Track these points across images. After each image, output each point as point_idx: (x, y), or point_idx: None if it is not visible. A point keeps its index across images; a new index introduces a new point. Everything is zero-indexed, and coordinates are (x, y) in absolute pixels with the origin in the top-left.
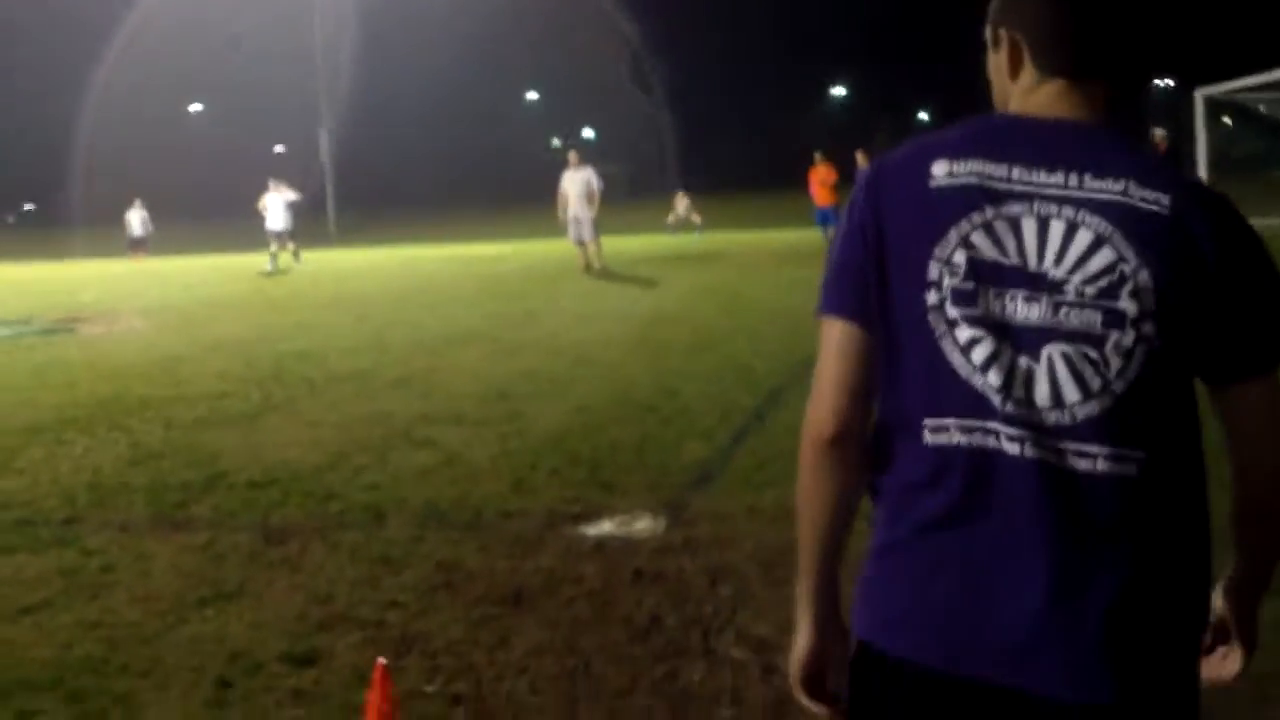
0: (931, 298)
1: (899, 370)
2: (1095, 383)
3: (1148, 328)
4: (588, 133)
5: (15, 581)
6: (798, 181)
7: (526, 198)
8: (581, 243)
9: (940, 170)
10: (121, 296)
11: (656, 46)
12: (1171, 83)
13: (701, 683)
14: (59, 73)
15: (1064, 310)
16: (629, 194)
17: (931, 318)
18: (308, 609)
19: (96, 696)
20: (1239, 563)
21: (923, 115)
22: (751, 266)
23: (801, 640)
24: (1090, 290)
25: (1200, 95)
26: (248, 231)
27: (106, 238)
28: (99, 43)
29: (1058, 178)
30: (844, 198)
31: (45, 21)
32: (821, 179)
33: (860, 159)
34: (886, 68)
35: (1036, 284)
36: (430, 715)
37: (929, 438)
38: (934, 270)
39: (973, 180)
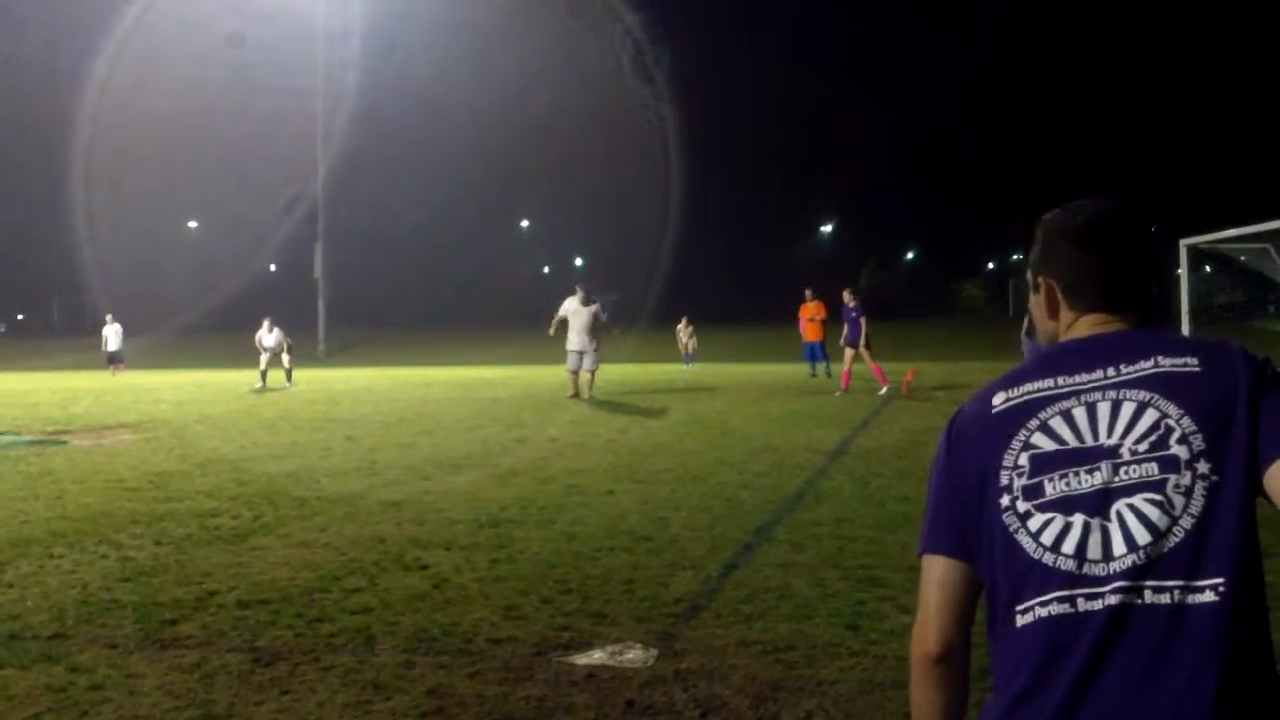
0: (1005, 500)
1: (993, 574)
2: (1164, 522)
3: (1202, 466)
4: (578, 260)
5: (2, 698)
6: (786, 317)
7: (518, 323)
8: (576, 371)
9: (998, 400)
10: (111, 410)
11: (648, 181)
12: (1154, 229)
13: None
14: (57, 188)
15: (1123, 469)
16: (616, 323)
17: (1006, 518)
18: None
19: None
20: None
21: (909, 254)
22: (740, 399)
23: None
24: (1143, 447)
25: (1184, 244)
26: (239, 348)
27: (95, 350)
28: (97, 158)
29: (1097, 374)
30: (832, 333)
31: (40, 134)
32: (811, 315)
33: (847, 297)
34: (874, 207)
35: (1094, 456)
36: None
37: (1018, 620)
38: (1005, 478)
39: (1025, 398)
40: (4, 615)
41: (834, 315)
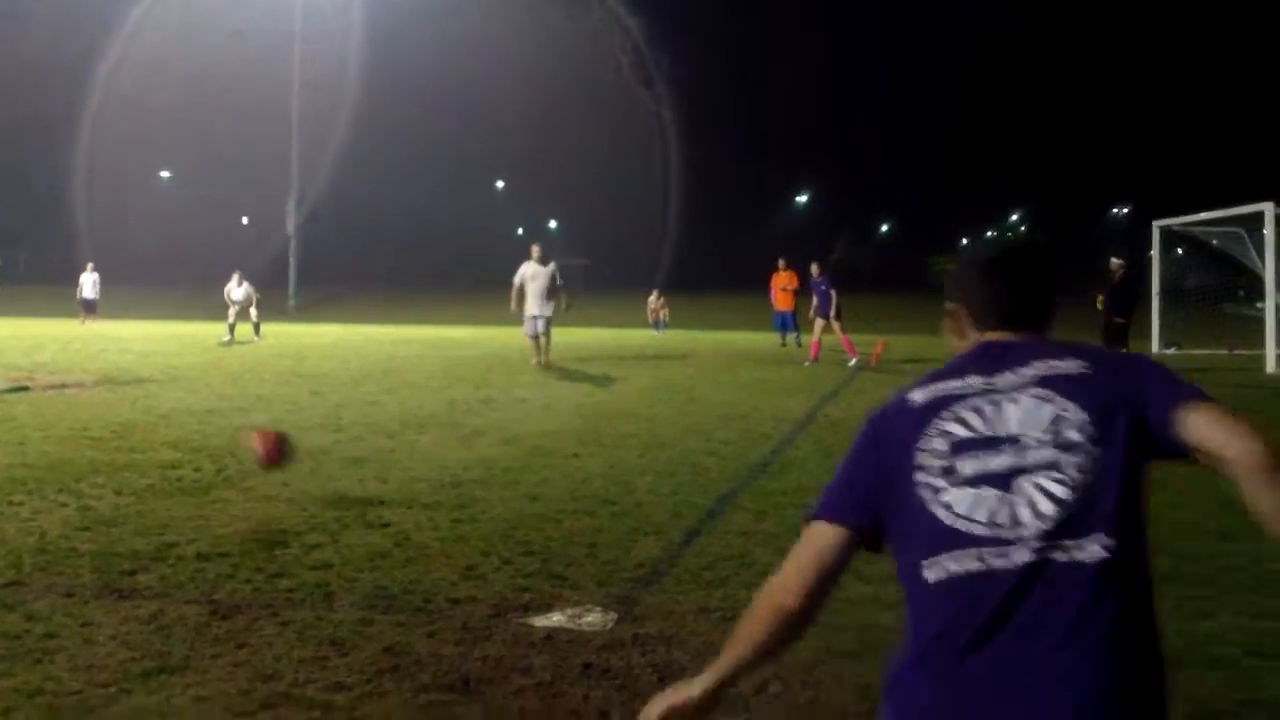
0: (921, 477)
1: (908, 540)
2: (1063, 494)
3: (1092, 448)
4: (552, 223)
5: None
6: (758, 285)
7: (490, 285)
8: (537, 337)
9: (917, 395)
10: (77, 359)
11: (627, 146)
12: (1128, 209)
13: None
14: (28, 134)
15: (1028, 453)
16: (588, 288)
17: (922, 492)
18: (253, 686)
19: None
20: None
21: (884, 227)
22: (709, 367)
23: (694, 690)
24: (1044, 435)
25: (1156, 226)
26: (207, 300)
27: (63, 298)
28: (71, 106)
29: (1003, 376)
30: (802, 304)
31: (18, 80)
32: (783, 284)
33: (814, 269)
34: (850, 179)
35: (1001, 443)
36: None
37: (928, 575)
38: (921, 459)
39: (941, 394)
40: None
41: (805, 287)
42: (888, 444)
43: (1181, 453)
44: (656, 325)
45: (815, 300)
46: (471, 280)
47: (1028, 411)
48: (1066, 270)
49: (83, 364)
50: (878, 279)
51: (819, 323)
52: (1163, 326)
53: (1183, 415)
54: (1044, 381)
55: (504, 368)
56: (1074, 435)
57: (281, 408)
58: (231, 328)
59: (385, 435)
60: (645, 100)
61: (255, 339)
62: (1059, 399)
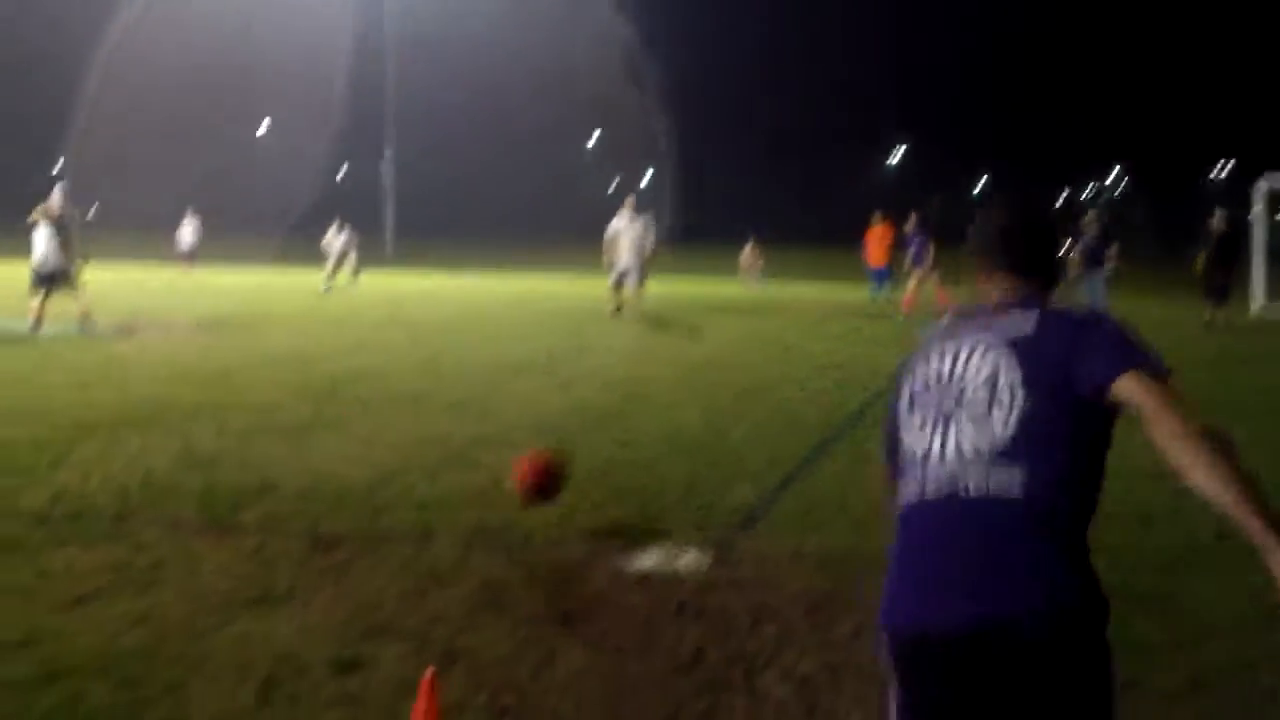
0: (904, 402)
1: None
2: (987, 436)
3: (1020, 401)
4: (645, 176)
5: (67, 573)
6: (853, 240)
7: (585, 235)
8: (619, 286)
9: (925, 335)
10: (178, 304)
11: (726, 98)
12: (1230, 167)
13: (743, 719)
14: (133, 86)
15: (966, 397)
16: (681, 241)
17: (900, 417)
18: (354, 617)
19: (145, 685)
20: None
21: (980, 184)
22: (802, 319)
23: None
24: (982, 384)
25: (1261, 184)
26: (305, 250)
27: (161, 245)
28: (173, 58)
29: (980, 331)
30: (898, 259)
31: (128, 35)
32: (879, 238)
33: (911, 222)
34: (948, 134)
35: (953, 386)
36: None
37: (906, 492)
38: (905, 388)
39: (937, 339)
40: (70, 495)
41: (901, 241)
42: (903, 378)
43: (1113, 411)
44: (753, 277)
45: (911, 252)
46: (565, 232)
47: (975, 364)
48: (1167, 228)
49: (184, 308)
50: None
51: (915, 275)
52: (1268, 284)
53: (1120, 384)
54: (998, 340)
55: (598, 318)
56: (1004, 391)
57: (380, 353)
58: (330, 275)
59: (482, 381)
60: (741, 53)
61: (353, 286)
62: (1001, 357)
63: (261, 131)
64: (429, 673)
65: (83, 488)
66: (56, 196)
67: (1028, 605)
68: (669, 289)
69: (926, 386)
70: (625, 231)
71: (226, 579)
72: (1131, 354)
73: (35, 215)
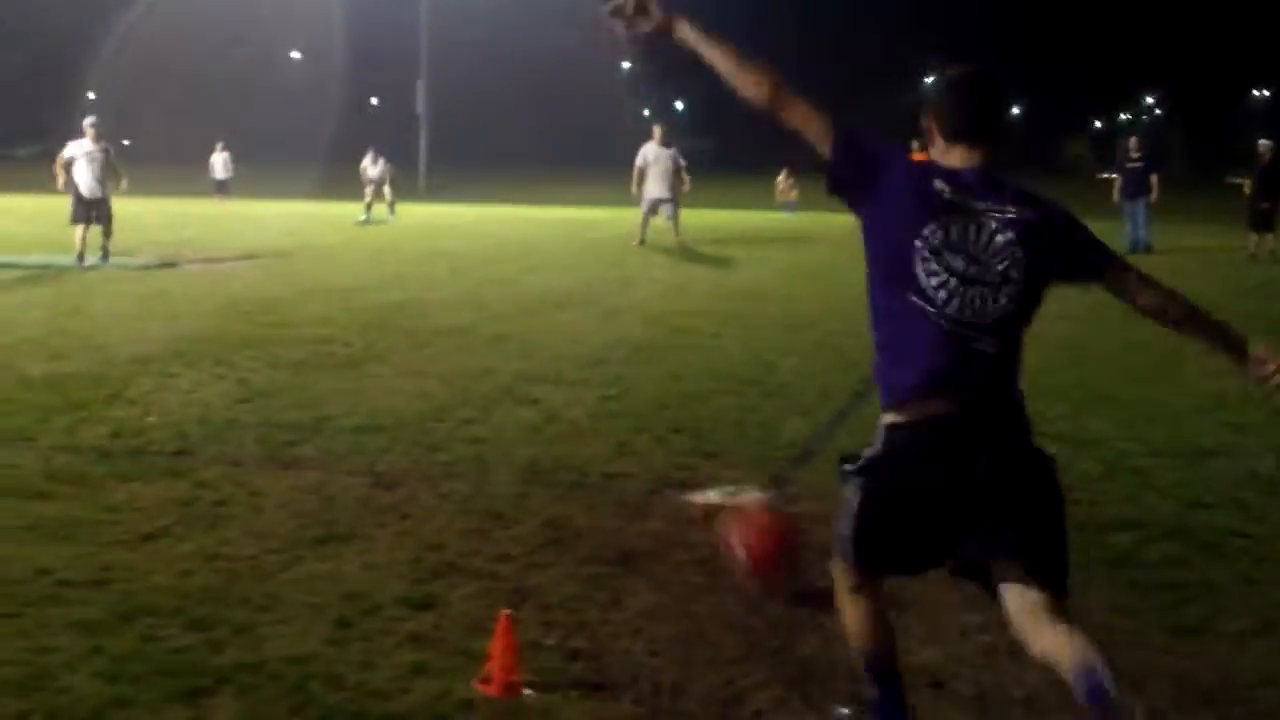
0: (920, 246)
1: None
2: (991, 306)
3: (1019, 279)
4: (679, 104)
5: (132, 508)
6: None
7: (619, 164)
8: (649, 217)
9: (938, 185)
10: (220, 236)
11: (762, 23)
12: (1270, 93)
13: (816, 657)
14: (159, 13)
15: (981, 269)
16: (715, 169)
17: (918, 260)
18: (420, 556)
19: (218, 625)
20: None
21: (1015, 109)
22: (843, 249)
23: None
24: (995, 261)
25: None
26: (340, 179)
27: (192, 178)
28: None
29: (986, 202)
30: None
31: None
32: None
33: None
34: (981, 58)
35: (972, 255)
36: (548, 668)
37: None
38: (922, 239)
39: (951, 197)
40: (129, 431)
41: None
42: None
43: (1088, 284)
44: (786, 207)
45: None
46: (600, 160)
47: (990, 238)
48: (1206, 155)
49: (224, 240)
50: (1007, 161)
51: None
52: None
53: (1105, 269)
54: (1010, 218)
55: (637, 249)
56: (1012, 268)
57: (422, 285)
58: (368, 206)
59: (526, 313)
60: None
61: (390, 218)
62: (1012, 236)
63: (293, 57)
64: (504, 615)
65: (140, 423)
66: (89, 129)
67: None
68: (704, 218)
69: (945, 246)
70: (656, 161)
71: (290, 516)
72: (1105, 245)
73: (69, 150)
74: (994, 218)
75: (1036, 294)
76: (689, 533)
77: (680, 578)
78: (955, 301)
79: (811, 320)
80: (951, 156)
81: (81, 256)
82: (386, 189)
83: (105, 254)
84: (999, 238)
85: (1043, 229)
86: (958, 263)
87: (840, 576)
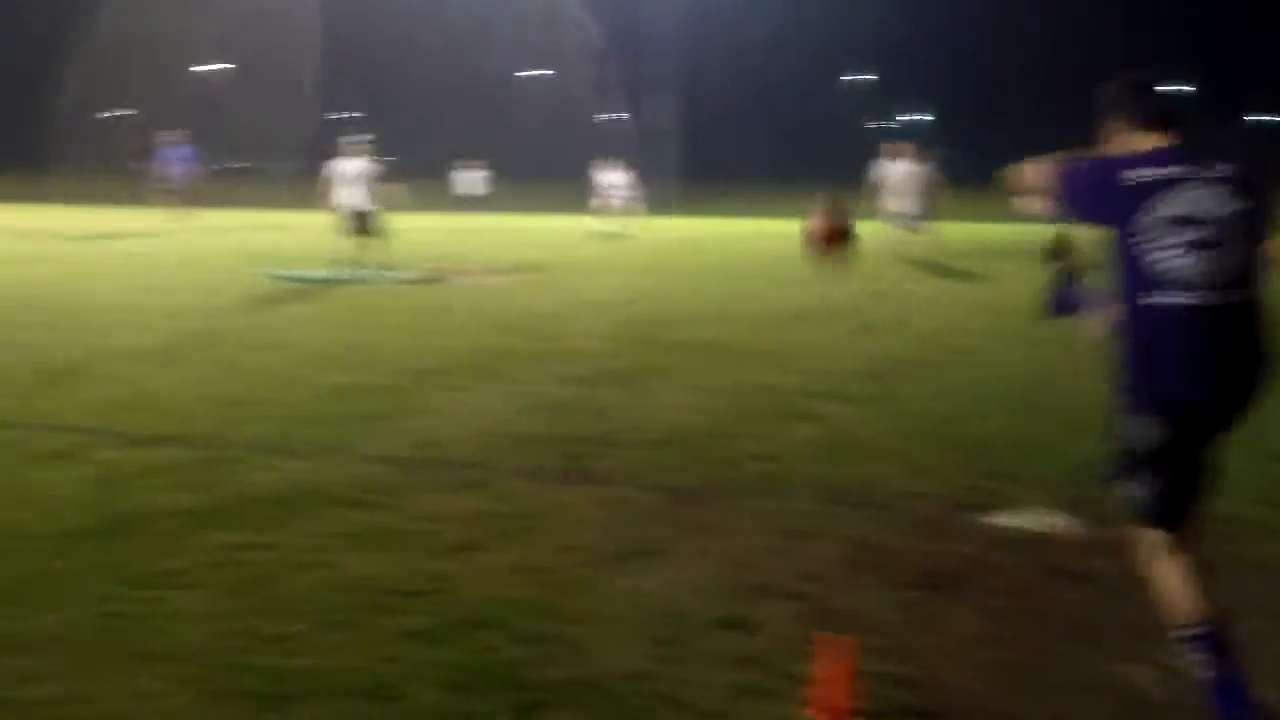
0: (1148, 223)
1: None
2: (1231, 264)
3: (1248, 235)
4: (927, 117)
5: (441, 518)
6: None
7: (862, 178)
8: (903, 230)
9: (1130, 174)
10: (475, 250)
11: (1008, 37)
12: None
13: (1152, 691)
14: (403, 37)
15: (1218, 230)
16: (955, 180)
17: (1148, 239)
18: (728, 574)
19: (544, 639)
20: None
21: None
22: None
23: None
24: (1228, 221)
25: None
26: (588, 193)
27: (433, 193)
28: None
29: (1191, 169)
30: None
31: None
32: None
33: None
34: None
35: (1201, 221)
36: (879, 695)
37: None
38: (1147, 214)
39: (1154, 176)
40: (426, 442)
41: None
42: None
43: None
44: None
45: None
46: (850, 173)
47: (1218, 201)
48: None
49: (483, 256)
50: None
51: None
52: None
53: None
54: (1222, 180)
55: (891, 262)
56: (1241, 227)
57: (671, 299)
58: (613, 220)
59: (778, 328)
60: None
61: (631, 232)
62: (1233, 196)
63: (528, 74)
64: (832, 639)
65: (436, 435)
66: (356, 146)
67: None
68: (945, 232)
69: (1173, 221)
70: (891, 173)
71: (594, 531)
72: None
73: (338, 167)
74: (1203, 181)
75: (1256, 243)
76: (995, 557)
77: (996, 604)
78: (1199, 265)
79: (1073, 335)
80: (1144, 143)
81: (355, 269)
82: (633, 200)
83: (377, 268)
84: (1219, 196)
85: (1246, 185)
86: (1187, 232)
87: (1149, 550)
